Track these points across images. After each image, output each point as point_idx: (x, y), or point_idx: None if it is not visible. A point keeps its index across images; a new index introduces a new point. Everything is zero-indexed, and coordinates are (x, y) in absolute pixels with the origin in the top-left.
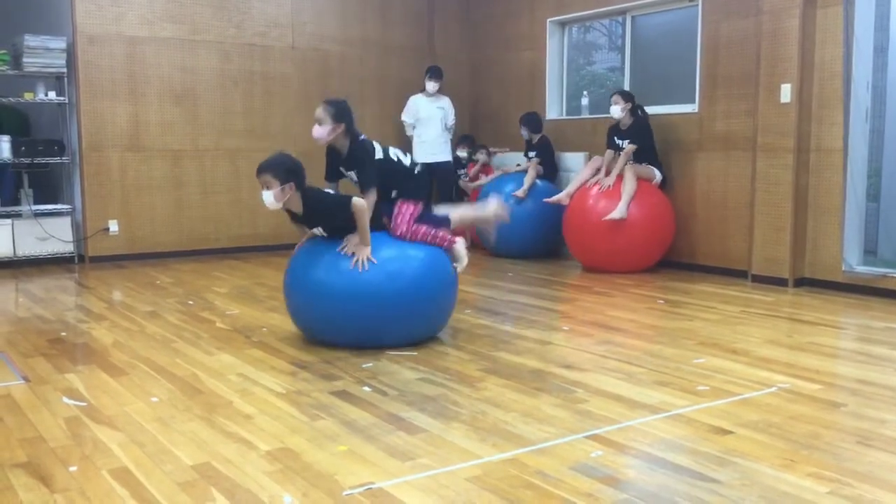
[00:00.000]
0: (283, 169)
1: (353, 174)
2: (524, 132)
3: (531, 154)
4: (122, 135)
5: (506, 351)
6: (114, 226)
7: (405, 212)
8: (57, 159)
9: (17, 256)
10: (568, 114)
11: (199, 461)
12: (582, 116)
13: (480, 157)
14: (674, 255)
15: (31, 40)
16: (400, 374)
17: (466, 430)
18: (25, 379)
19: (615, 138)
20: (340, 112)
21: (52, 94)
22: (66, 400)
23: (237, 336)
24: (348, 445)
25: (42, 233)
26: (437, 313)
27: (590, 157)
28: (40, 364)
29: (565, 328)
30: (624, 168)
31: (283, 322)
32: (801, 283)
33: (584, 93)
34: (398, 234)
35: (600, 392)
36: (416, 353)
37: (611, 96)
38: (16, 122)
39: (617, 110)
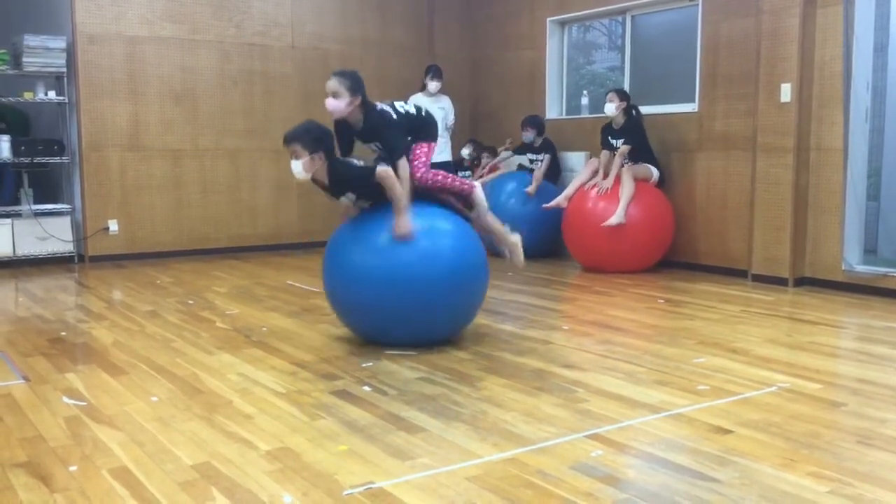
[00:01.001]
0: (312, 138)
1: (372, 145)
2: (530, 134)
3: (536, 157)
4: (122, 134)
5: (506, 350)
6: (114, 225)
7: (420, 154)
8: (57, 159)
9: (16, 256)
10: (568, 113)
11: (199, 461)
12: (582, 116)
13: (484, 159)
14: (674, 255)
15: (30, 40)
16: (400, 373)
17: (467, 429)
18: (25, 378)
19: (609, 137)
20: (355, 83)
21: (51, 94)
22: (66, 399)
23: (237, 335)
24: (348, 445)
25: (42, 232)
26: (472, 300)
27: (589, 157)
28: (40, 363)
29: (565, 328)
30: (621, 170)
31: (283, 321)
32: (802, 282)
33: (584, 92)
34: (417, 177)
35: (600, 391)
36: (415, 353)
37: (606, 94)
38: (18, 122)
39: (612, 108)
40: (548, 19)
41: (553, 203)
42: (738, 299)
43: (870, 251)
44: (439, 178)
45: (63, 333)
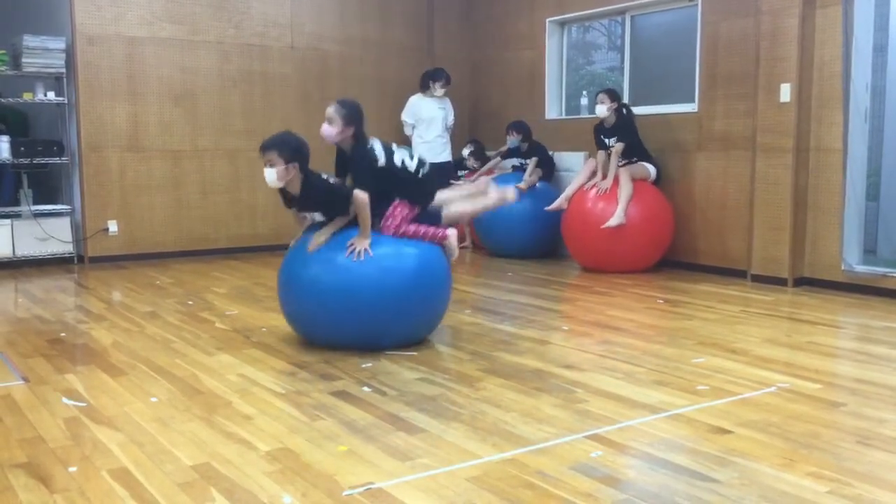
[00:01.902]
0: (289, 148)
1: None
2: (515, 139)
3: (524, 162)
4: (122, 135)
5: (505, 351)
6: (113, 226)
7: (398, 214)
8: (56, 160)
9: (16, 257)
10: (567, 113)
11: (199, 461)
12: (581, 116)
13: (475, 164)
14: (673, 255)
15: (30, 40)
16: (399, 374)
17: (466, 430)
18: (25, 379)
19: (602, 136)
20: (351, 115)
21: (51, 95)
22: (65, 400)
23: (237, 336)
24: (348, 445)
25: (41, 233)
26: (432, 310)
27: (588, 157)
28: (40, 364)
29: (565, 328)
30: (619, 171)
31: (283, 322)
32: (801, 282)
33: (584, 93)
34: (389, 234)
35: (600, 392)
36: (415, 354)
37: (596, 95)
38: (18, 123)
39: (603, 109)
40: (547, 20)
41: (554, 205)
42: (738, 299)
43: (869, 251)
44: (410, 232)
45: (62, 334)
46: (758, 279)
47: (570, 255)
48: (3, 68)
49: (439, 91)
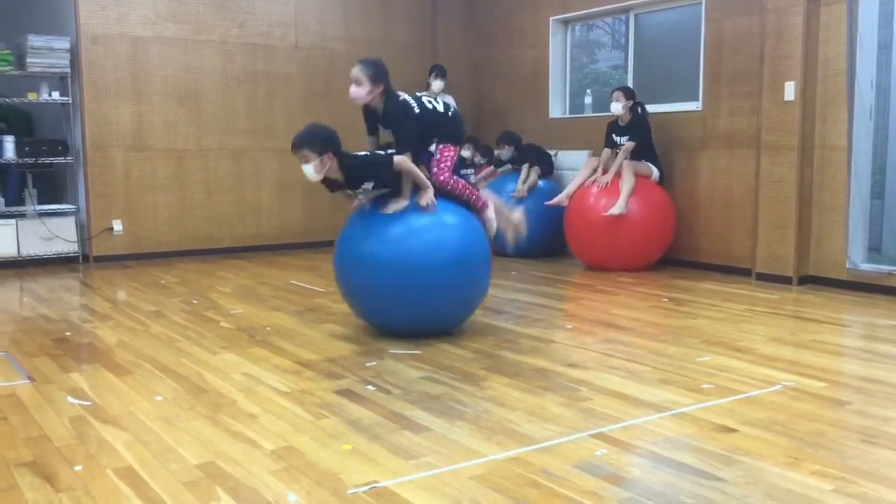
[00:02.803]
0: (319, 140)
1: (389, 133)
2: (507, 151)
3: (517, 170)
4: (126, 135)
5: (509, 350)
6: (118, 225)
7: (446, 156)
8: (61, 159)
9: (21, 256)
10: (571, 112)
11: (204, 460)
12: (585, 115)
13: (481, 160)
14: (677, 254)
15: (34, 40)
16: (404, 372)
17: (471, 428)
18: (30, 378)
19: (613, 135)
20: (378, 72)
21: (55, 95)
22: (70, 399)
23: (241, 335)
24: (353, 444)
25: (46, 233)
26: (475, 287)
27: (591, 155)
28: (45, 363)
29: (569, 326)
30: (622, 165)
31: (288, 321)
32: (806, 280)
33: (588, 91)
34: (440, 179)
35: (604, 390)
36: (419, 352)
37: (611, 93)
38: (20, 122)
39: (618, 107)
40: (551, 18)
41: (555, 201)
42: (742, 298)
43: (874, 249)
44: (459, 185)
45: (68, 333)
46: (762, 277)
47: (573, 253)
48: (7, 68)
49: (436, 86)
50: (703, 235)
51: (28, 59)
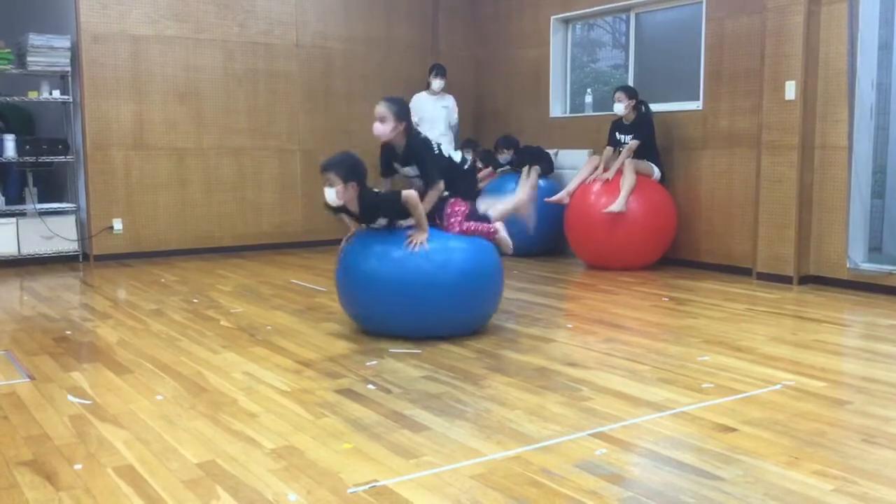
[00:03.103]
0: (347, 167)
1: (409, 170)
2: (507, 156)
3: (517, 173)
4: (127, 133)
5: (510, 349)
6: (118, 224)
7: (458, 211)
8: (61, 158)
9: (21, 255)
10: (572, 111)
11: (204, 459)
12: (586, 114)
13: (480, 164)
14: (678, 253)
15: (35, 39)
16: (404, 372)
17: (471, 427)
18: (30, 377)
19: (617, 133)
20: (402, 110)
21: (56, 93)
22: (71, 398)
23: (242, 334)
24: (353, 443)
25: (47, 231)
26: (485, 301)
27: (592, 153)
28: (45, 362)
29: (569, 326)
30: (624, 163)
31: (288, 320)
32: (806, 280)
33: (588, 90)
34: (454, 231)
35: (605, 390)
36: (420, 351)
37: (613, 93)
38: (20, 121)
39: (621, 108)
40: (552, 17)
41: (555, 198)
42: (743, 297)
43: (875, 249)
44: (472, 229)
45: (68, 332)
46: (763, 277)
47: (573, 252)
48: (8, 67)
49: (436, 84)
50: (703, 235)
51: (29, 58)
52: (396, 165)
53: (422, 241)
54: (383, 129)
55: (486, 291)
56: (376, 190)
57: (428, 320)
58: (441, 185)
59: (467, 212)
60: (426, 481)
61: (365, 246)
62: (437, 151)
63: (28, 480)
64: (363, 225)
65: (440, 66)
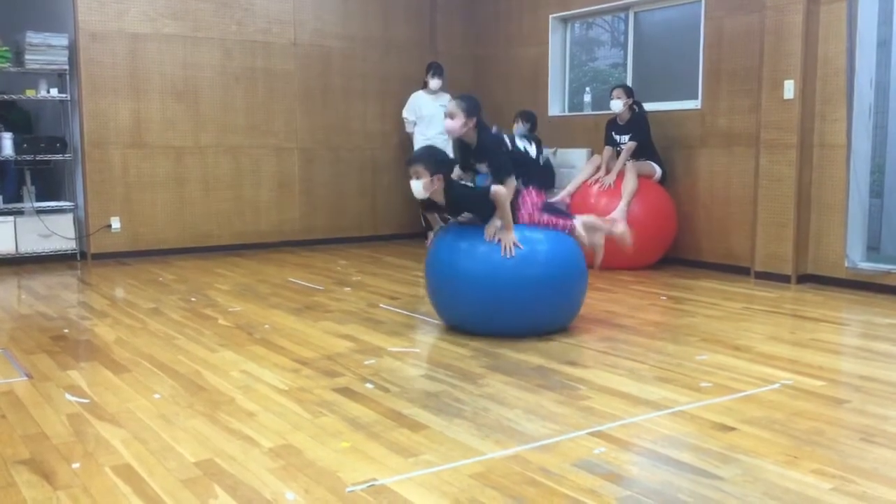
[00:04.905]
0: (434, 161)
1: (483, 166)
2: (523, 128)
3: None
4: (125, 132)
5: (508, 347)
6: (116, 223)
7: (528, 201)
8: (59, 156)
9: (19, 253)
10: (570, 110)
11: (202, 458)
12: (584, 113)
13: None
14: (676, 252)
15: (33, 37)
16: (402, 370)
17: (469, 426)
18: (28, 375)
19: (613, 133)
20: (472, 107)
21: (54, 91)
22: (68, 397)
23: (239, 333)
24: (351, 442)
25: (44, 230)
26: (569, 299)
27: (591, 154)
28: (43, 361)
29: (567, 325)
30: (625, 167)
31: (286, 319)
32: (804, 279)
33: (587, 89)
34: (526, 220)
35: (603, 389)
36: (418, 350)
37: (611, 90)
38: (19, 120)
39: (619, 105)
40: (550, 16)
41: (555, 200)
42: (741, 296)
43: (873, 248)
44: (544, 219)
45: (66, 331)
46: (761, 276)
47: None
48: (6, 65)
49: (434, 84)
50: (703, 234)
51: (26, 56)
52: (472, 161)
53: (513, 242)
54: (453, 125)
55: (571, 288)
56: (464, 182)
57: (514, 317)
58: (512, 181)
59: (539, 202)
60: (424, 480)
61: (451, 242)
62: (509, 147)
63: (26, 479)
64: (449, 218)
65: (437, 64)
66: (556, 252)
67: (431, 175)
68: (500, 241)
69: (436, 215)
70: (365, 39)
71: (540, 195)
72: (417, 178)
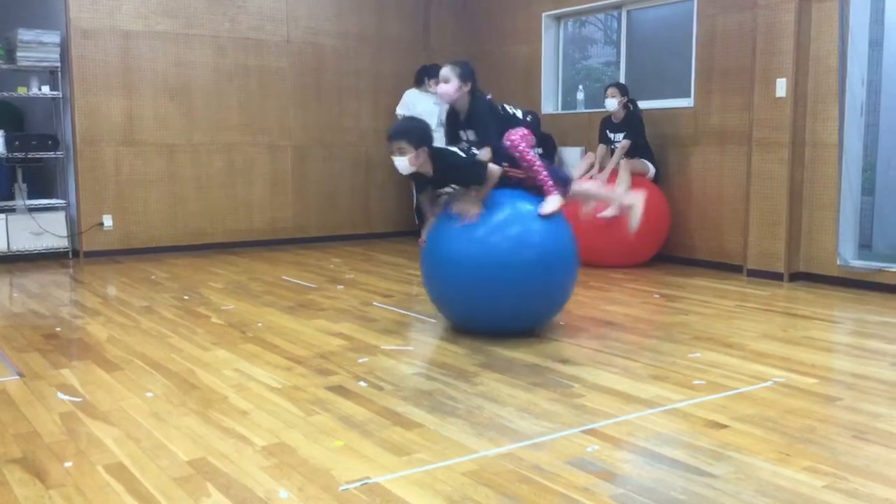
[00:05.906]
0: (416, 134)
1: (471, 133)
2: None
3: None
4: (117, 129)
5: (501, 345)
6: (108, 220)
7: (518, 136)
8: (51, 154)
9: (11, 251)
10: (564, 108)
11: (195, 456)
12: (578, 111)
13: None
14: (669, 250)
15: (24, 34)
16: (396, 369)
17: (463, 424)
18: (20, 374)
19: (607, 131)
20: (466, 72)
21: (45, 89)
22: (60, 395)
23: (232, 331)
24: (344, 440)
25: (36, 228)
26: (560, 286)
27: (585, 152)
28: (35, 359)
29: (561, 323)
30: (619, 165)
31: (279, 317)
32: (797, 277)
33: (580, 87)
34: (512, 147)
35: (596, 387)
36: (411, 348)
37: (606, 89)
38: (10, 117)
39: (613, 103)
40: (543, 14)
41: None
42: (734, 294)
43: (864, 246)
44: (528, 156)
45: (58, 329)
46: (754, 274)
47: None
48: None
49: (434, 88)
50: (695, 232)
51: (18, 54)
52: (460, 132)
53: (476, 213)
54: (447, 89)
55: (560, 274)
56: (451, 149)
57: (505, 304)
58: (489, 151)
59: (530, 139)
60: (418, 478)
61: (441, 232)
62: (500, 111)
63: (18, 478)
64: (436, 191)
65: (437, 68)
66: (548, 236)
67: (416, 149)
68: (462, 213)
69: (429, 195)
70: (358, 37)
71: (527, 136)
72: (401, 154)
